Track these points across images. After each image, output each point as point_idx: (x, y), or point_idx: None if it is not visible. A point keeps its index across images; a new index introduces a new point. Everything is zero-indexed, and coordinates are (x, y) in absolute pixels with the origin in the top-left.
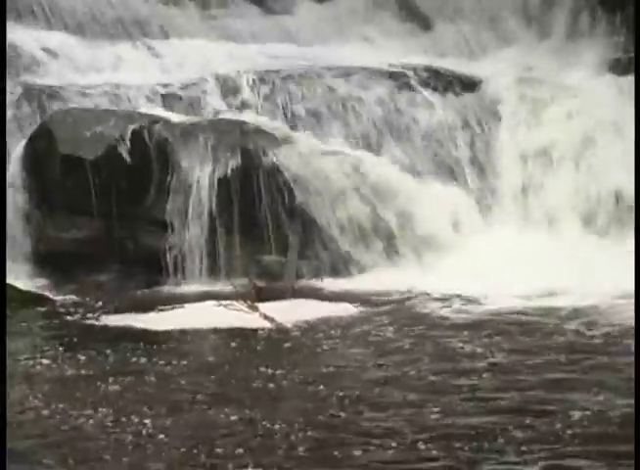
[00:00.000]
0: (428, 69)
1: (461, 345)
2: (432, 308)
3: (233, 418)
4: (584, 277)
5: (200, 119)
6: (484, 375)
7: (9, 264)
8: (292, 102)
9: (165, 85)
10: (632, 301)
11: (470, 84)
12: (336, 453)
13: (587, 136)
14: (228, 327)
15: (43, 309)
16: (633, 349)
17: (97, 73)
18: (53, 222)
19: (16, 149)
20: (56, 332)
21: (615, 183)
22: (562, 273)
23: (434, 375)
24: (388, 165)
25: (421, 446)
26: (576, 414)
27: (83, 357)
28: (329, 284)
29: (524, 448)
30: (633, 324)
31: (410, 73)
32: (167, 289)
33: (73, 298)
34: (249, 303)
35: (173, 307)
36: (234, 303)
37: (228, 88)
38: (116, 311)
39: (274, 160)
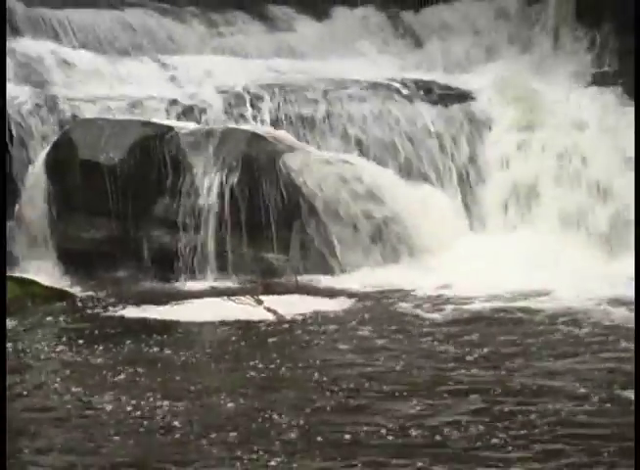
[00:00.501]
0: (418, 81)
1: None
2: (411, 306)
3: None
4: (570, 279)
5: (209, 129)
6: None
7: (32, 262)
8: (293, 112)
9: (175, 99)
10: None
11: (458, 96)
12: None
13: (573, 141)
14: (235, 319)
15: (63, 304)
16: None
17: (118, 85)
18: (73, 223)
19: (39, 155)
20: (77, 325)
21: (603, 183)
22: (547, 275)
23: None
24: (381, 171)
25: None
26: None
27: (101, 347)
28: (324, 281)
29: None
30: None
31: (402, 86)
32: (179, 285)
33: (92, 294)
34: (255, 297)
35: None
36: (241, 297)
37: (234, 100)
38: (133, 305)
39: (277, 166)
